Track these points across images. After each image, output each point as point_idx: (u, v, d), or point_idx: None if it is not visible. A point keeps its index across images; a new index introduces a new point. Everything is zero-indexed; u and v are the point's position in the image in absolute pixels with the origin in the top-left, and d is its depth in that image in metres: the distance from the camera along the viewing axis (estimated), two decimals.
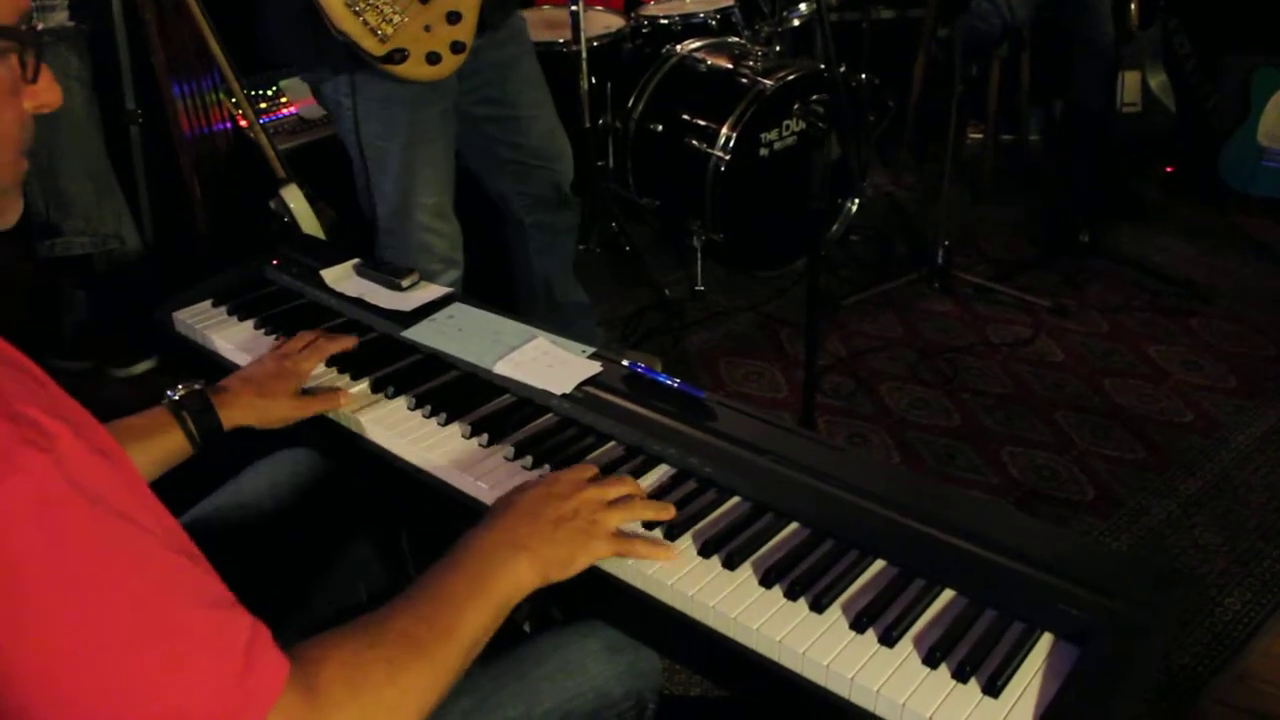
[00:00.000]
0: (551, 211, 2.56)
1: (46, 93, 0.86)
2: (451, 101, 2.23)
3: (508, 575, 1.03)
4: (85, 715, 0.70)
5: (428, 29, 2.01)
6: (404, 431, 1.38)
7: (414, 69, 2.02)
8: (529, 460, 1.30)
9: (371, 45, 1.95)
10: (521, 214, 2.55)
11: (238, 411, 1.35)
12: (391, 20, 1.95)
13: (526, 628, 1.75)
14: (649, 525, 1.18)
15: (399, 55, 1.97)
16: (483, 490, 1.28)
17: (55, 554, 0.69)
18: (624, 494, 1.18)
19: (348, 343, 1.53)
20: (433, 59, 2.03)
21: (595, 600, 1.21)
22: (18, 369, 0.77)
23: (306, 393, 1.43)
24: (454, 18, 2.04)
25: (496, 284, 2.59)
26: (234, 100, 2.97)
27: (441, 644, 0.93)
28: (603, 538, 1.11)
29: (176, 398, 1.32)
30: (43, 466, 0.69)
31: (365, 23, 1.94)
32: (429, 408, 1.41)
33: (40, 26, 0.85)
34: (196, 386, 1.34)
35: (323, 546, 1.37)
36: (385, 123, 2.15)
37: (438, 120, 2.20)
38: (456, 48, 2.06)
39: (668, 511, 1.18)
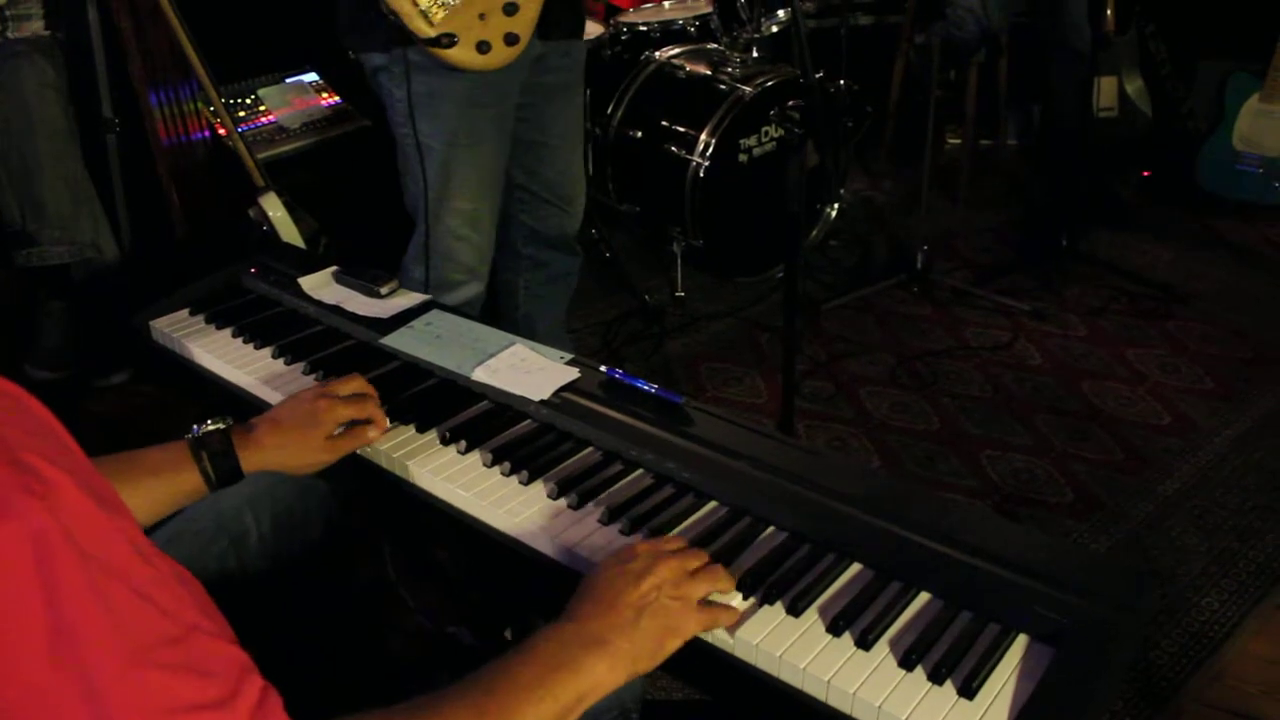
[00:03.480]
0: (551, 250, 2.51)
1: None
2: (510, 107, 2.18)
3: (581, 675, 0.95)
4: None
5: (482, 17, 1.97)
6: (383, 439, 1.37)
7: (462, 55, 1.98)
8: (506, 466, 1.30)
9: (420, 26, 1.92)
10: (519, 244, 2.49)
11: (260, 455, 1.27)
12: (445, 3, 1.92)
13: (508, 634, 1.75)
14: None
15: (447, 40, 1.93)
16: (460, 497, 1.28)
17: (47, 603, 0.66)
18: (704, 561, 1.10)
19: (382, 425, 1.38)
20: (483, 48, 1.98)
21: None
22: (25, 414, 0.75)
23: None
24: (511, 9, 1.99)
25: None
26: (212, 109, 2.96)
27: None
28: (690, 614, 1.03)
29: (199, 435, 1.25)
30: (38, 514, 0.66)
31: (416, 3, 1.91)
32: (406, 415, 1.41)
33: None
34: (221, 426, 1.26)
35: (302, 555, 1.36)
36: (432, 117, 2.10)
37: (489, 123, 2.15)
38: (510, 39, 2.01)
39: (730, 583, 1.11)
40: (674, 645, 1.02)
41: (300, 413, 1.31)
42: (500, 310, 2.60)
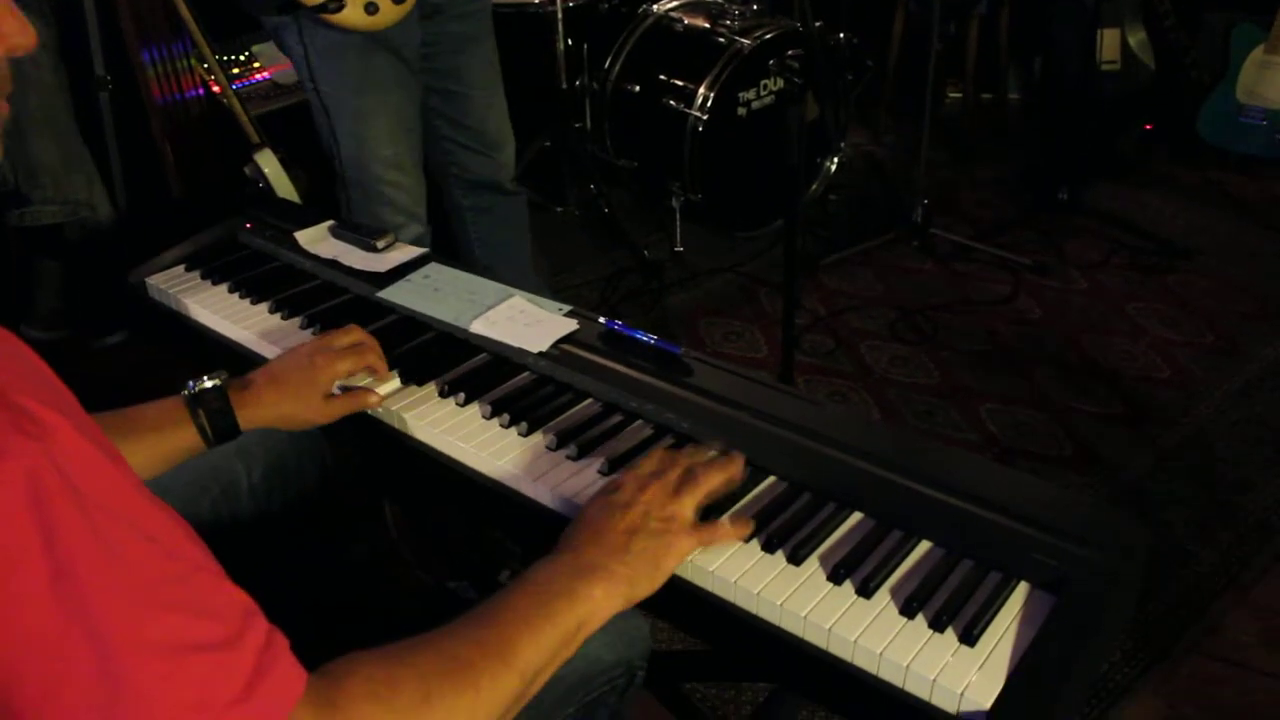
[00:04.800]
0: (490, 195, 2.52)
1: (18, 34, 0.79)
2: (412, 53, 2.19)
3: (575, 602, 0.95)
4: (60, 714, 0.66)
5: None
6: (376, 404, 1.36)
7: (351, 17, 1.99)
8: (506, 418, 1.30)
9: None
10: (459, 196, 2.51)
11: (258, 411, 1.25)
12: None
13: (503, 578, 1.76)
14: None
15: (334, 4, 1.95)
16: (460, 449, 1.27)
17: (45, 543, 0.65)
18: (684, 471, 1.09)
19: (384, 373, 1.37)
20: (370, 9, 2.00)
21: None
22: (18, 359, 0.74)
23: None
24: None
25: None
26: (206, 66, 2.93)
27: (492, 666, 0.85)
28: (683, 533, 1.03)
29: (195, 391, 1.22)
30: (33, 455, 0.66)
31: None
32: (405, 368, 1.40)
33: None
34: (217, 381, 1.23)
35: (296, 509, 1.36)
36: (336, 70, 2.12)
37: (390, 68, 2.15)
38: None
39: (737, 464, 1.13)
40: (670, 565, 1.02)
41: (298, 369, 1.29)
42: (454, 249, 2.61)
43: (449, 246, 2.57)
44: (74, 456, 0.68)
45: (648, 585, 1.00)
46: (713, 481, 1.09)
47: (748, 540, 1.10)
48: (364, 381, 1.36)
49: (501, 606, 0.92)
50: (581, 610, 0.94)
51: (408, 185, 2.29)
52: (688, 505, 1.06)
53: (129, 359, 2.87)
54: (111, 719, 0.66)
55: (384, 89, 2.17)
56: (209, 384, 1.23)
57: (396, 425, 1.34)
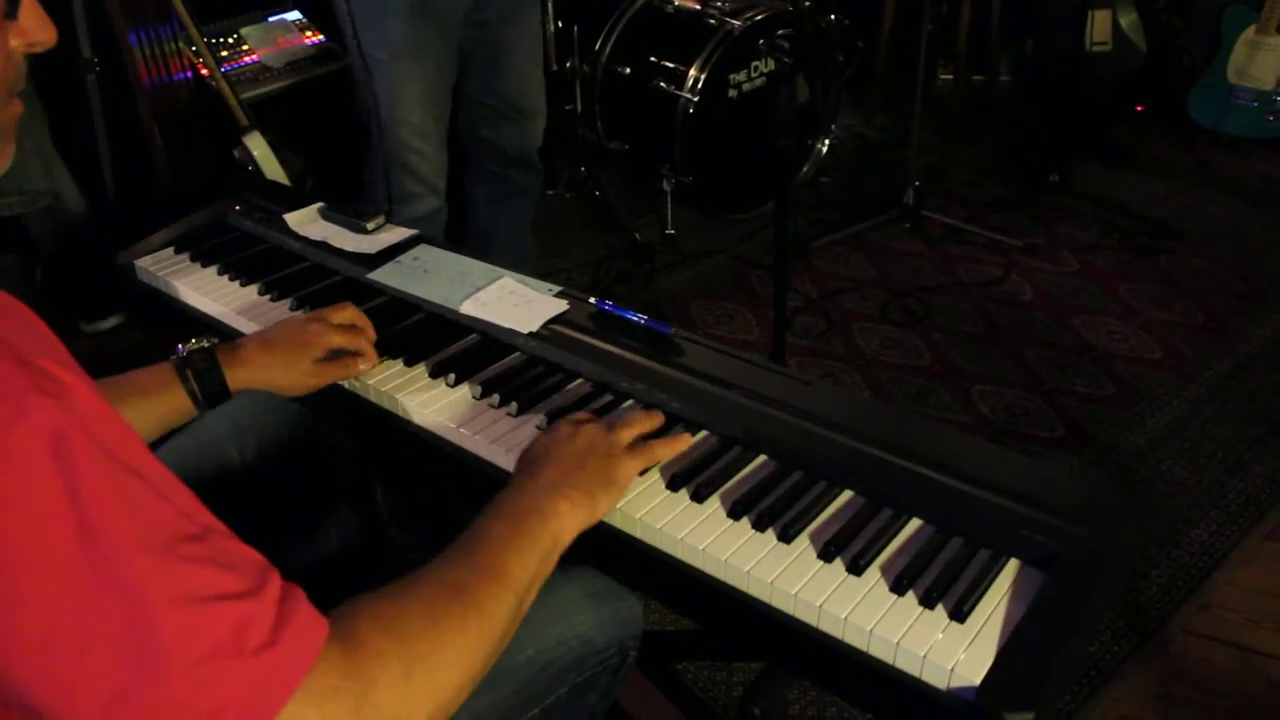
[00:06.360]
0: (510, 165, 2.53)
1: (38, 30, 0.79)
2: (455, 21, 2.20)
3: (549, 517, 1.00)
4: (101, 668, 0.66)
5: None
6: (371, 372, 1.36)
7: None
8: (497, 399, 1.29)
9: None
10: (480, 157, 2.53)
11: (246, 372, 1.27)
12: None
13: None
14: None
15: None
16: (450, 430, 1.27)
17: (70, 498, 0.66)
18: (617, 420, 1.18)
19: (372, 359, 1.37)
20: None
21: (574, 546, 1.21)
22: (31, 326, 0.75)
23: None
24: None
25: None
26: (194, 49, 2.91)
27: (487, 586, 0.89)
28: (626, 455, 1.11)
29: (184, 354, 1.24)
30: (56, 413, 0.67)
31: None
32: (395, 349, 1.40)
33: None
34: (205, 344, 1.26)
35: (288, 490, 1.35)
36: (377, 30, 2.14)
37: (432, 35, 2.17)
38: None
39: (658, 419, 1.22)
40: (624, 480, 1.10)
41: (291, 333, 1.32)
42: (460, 221, 2.62)
43: (450, 231, 2.57)
44: (93, 414, 0.69)
45: (606, 500, 1.07)
46: (642, 425, 1.18)
47: (738, 520, 1.10)
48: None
49: (481, 534, 0.96)
50: (554, 525, 1.00)
51: (429, 154, 2.30)
52: (624, 436, 1.14)
53: (117, 342, 2.86)
54: (142, 668, 0.67)
55: (422, 55, 2.18)
56: (197, 346, 1.25)
57: (387, 406, 1.34)
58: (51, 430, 0.66)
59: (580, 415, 1.19)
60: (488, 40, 2.32)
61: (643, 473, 1.16)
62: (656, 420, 1.22)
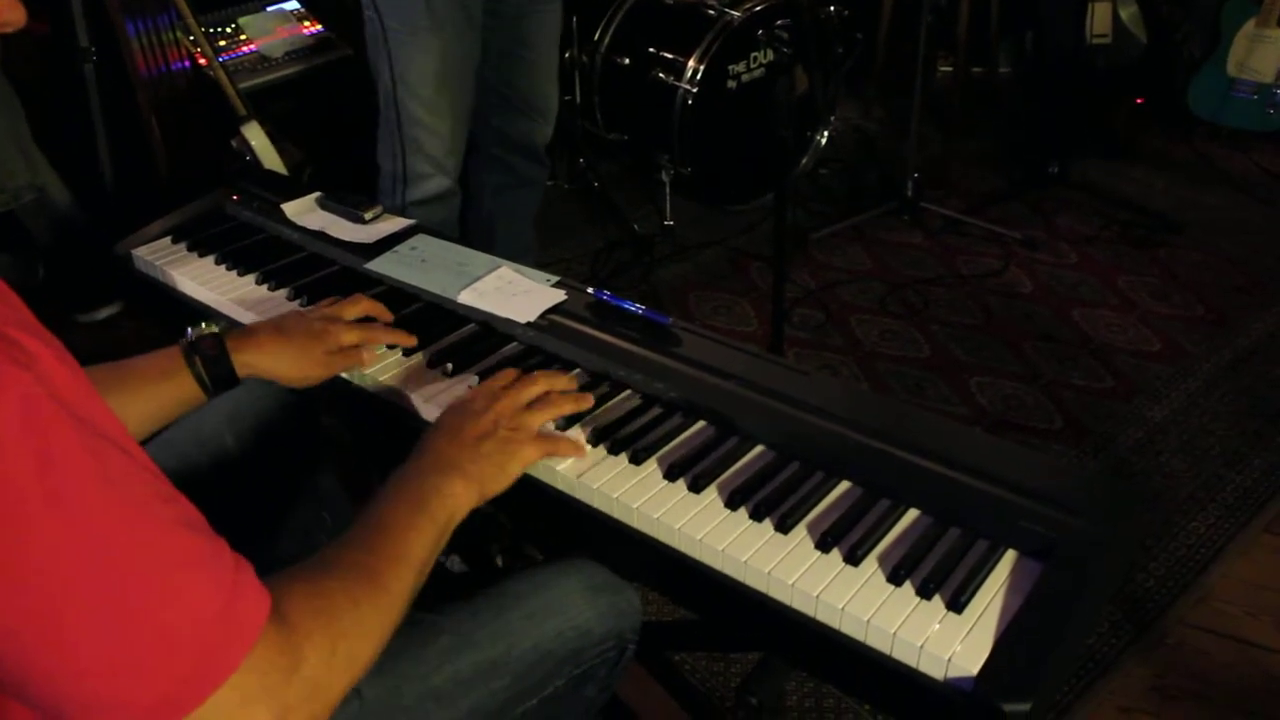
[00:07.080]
0: (519, 157, 2.52)
1: (6, 10, 0.78)
2: (476, 6, 2.19)
3: (444, 498, 1.03)
4: (72, 634, 0.68)
5: None
6: (370, 363, 1.36)
7: None
8: None
9: None
10: (490, 145, 2.51)
11: (255, 358, 1.24)
12: None
13: (499, 561, 1.75)
14: (574, 421, 1.23)
15: None
16: None
17: (44, 469, 0.66)
18: (539, 394, 1.19)
19: (405, 339, 1.38)
20: None
21: (571, 535, 1.21)
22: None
23: None
24: None
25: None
26: (192, 38, 2.91)
27: (392, 569, 0.93)
28: (527, 443, 1.12)
29: (192, 339, 1.22)
30: (26, 383, 0.66)
31: None
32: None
33: None
34: (215, 329, 1.23)
35: (286, 480, 1.35)
36: (398, 1, 2.13)
37: (455, 14, 2.15)
38: None
39: (586, 401, 1.22)
40: (516, 469, 1.11)
41: (304, 326, 1.30)
42: (465, 207, 2.60)
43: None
44: (60, 383, 0.69)
45: (494, 485, 1.09)
46: (563, 408, 1.20)
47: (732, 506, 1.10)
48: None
49: (387, 513, 0.99)
50: (450, 504, 1.03)
51: (442, 134, 2.26)
52: (535, 420, 1.15)
53: (114, 333, 2.86)
54: (119, 635, 0.69)
55: (438, 31, 2.15)
56: (206, 331, 1.23)
57: (384, 397, 1.33)
58: (23, 399, 0.66)
59: (501, 380, 1.20)
60: (506, 32, 2.30)
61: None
62: (584, 402, 1.23)
